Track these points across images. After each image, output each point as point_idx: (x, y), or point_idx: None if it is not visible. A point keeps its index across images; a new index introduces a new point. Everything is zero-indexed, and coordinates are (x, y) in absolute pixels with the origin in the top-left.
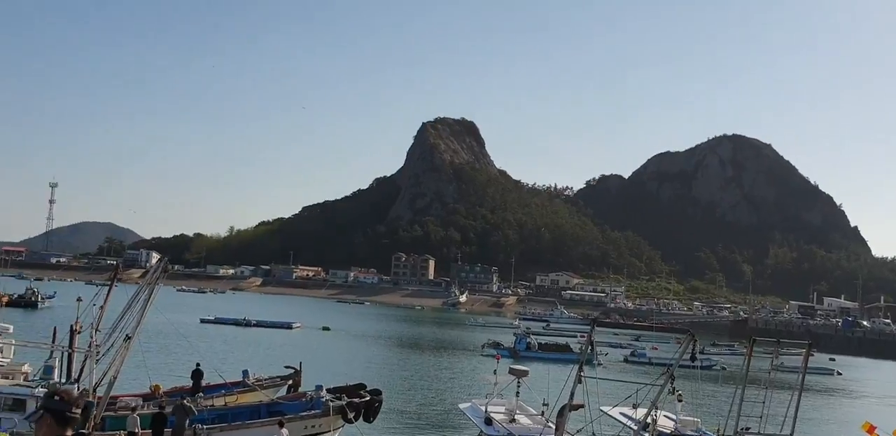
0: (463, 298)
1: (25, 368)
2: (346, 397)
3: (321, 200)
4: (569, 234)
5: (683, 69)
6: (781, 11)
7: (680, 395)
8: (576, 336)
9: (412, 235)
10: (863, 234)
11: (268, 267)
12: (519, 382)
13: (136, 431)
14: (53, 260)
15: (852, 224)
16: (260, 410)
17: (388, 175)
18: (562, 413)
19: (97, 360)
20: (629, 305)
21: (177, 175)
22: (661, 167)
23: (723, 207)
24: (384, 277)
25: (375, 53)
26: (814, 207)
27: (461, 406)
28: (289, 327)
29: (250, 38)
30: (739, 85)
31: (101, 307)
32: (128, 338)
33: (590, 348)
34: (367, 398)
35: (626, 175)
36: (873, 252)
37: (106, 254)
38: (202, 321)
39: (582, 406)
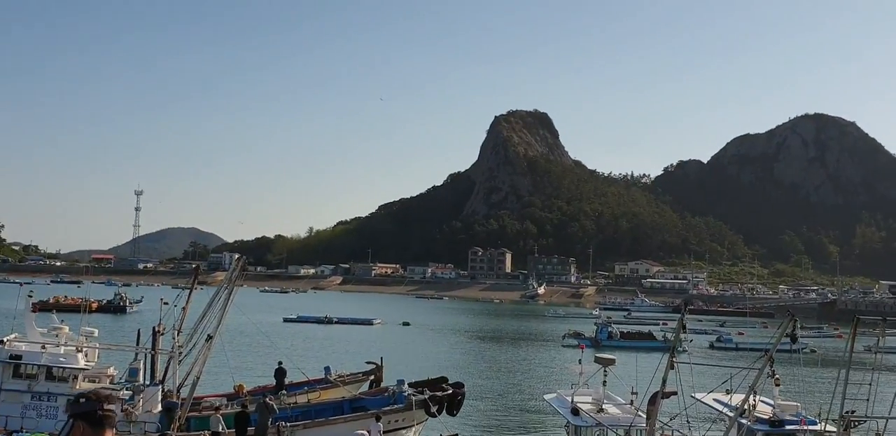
0: (541, 290)
1: (111, 371)
2: (428, 391)
3: (397, 198)
4: (647, 222)
5: (761, 51)
6: None
7: (777, 379)
8: (658, 324)
9: (488, 230)
10: None
11: (347, 266)
12: (605, 371)
13: (221, 430)
14: (140, 266)
15: None
16: (343, 406)
17: (462, 170)
18: (653, 401)
19: (180, 361)
20: (712, 291)
21: (258, 179)
22: (742, 150)
23: (806, 188)
24: (461, 271)
25: (446, 49)
26: None
27: (546, 397)
28: (369, 323)
29: (325, 38)
30: (820, 63)
31: (184, 308)
32: (209, 338)
33: (681, 332)
34: (450, 391)
35: (705, 160)
36: None
37: (191, 258)
38: (285, 320)
39: (675, 393)
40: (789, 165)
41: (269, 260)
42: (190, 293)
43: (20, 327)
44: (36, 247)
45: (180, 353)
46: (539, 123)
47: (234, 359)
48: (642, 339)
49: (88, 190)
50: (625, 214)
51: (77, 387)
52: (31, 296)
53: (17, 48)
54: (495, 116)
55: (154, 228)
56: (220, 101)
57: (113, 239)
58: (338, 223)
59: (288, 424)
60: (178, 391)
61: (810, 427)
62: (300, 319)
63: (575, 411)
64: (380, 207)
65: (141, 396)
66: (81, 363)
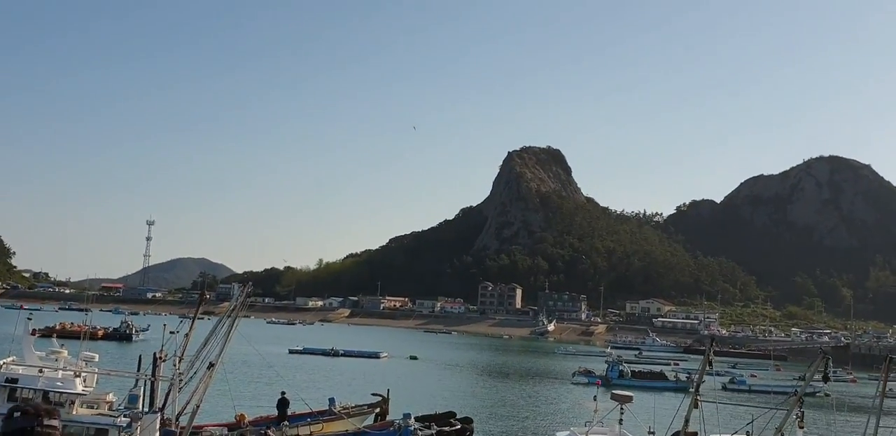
0: (551, 327)
1: (110, 397)
2: (435, 426)
3: (408, 232)
4: (659, 260)
5: (776, 90)
6: (875, 28)
7: (802, 421)
8: (669, 364)
9: (499, 265)
10: None
11: (355, 298)
12: (622, 409)
13: None
14: (149, 295)
15: None
16: None
17: (475, 205)
18: None
19: (180, 388)
20: (723, 332)
21: (268, 210)
22: (755, 191)
23: (820, 231)
24: (471, 306)
25: (461, 83)
26: None
27: (559, 435)
28: (376, 356)
29: (336, 69)
30: (835, 105)
31: (186, 335)
32: (211, 365)
33: (707, 367)
34: (458, 427)
35: (718, 200)
36: None
37: (200, 288)
38: (290, 352)
39: (696, 434)
40: (803, 206)
41: (277, 291)
42: (193, 320)
43: (18, 350)
44: (46, 274)
45: (181, 380)
46: (552, 160)
47: (237, 389)
48: (654, 378)
49: (100, 219)
50: (637, 252)
51: (74, 412)
52: (30, 319)
53: (31, 71)
54: (508, 152)
55: (165, 257)
56: (233, 130)
57: (123, 268)
58: (347, 255)
59: None
60: (178, 420)
61: None
62: (306, 351)
63: None
64: (390, 240)
65: (139, 423)
66: (79, 388)
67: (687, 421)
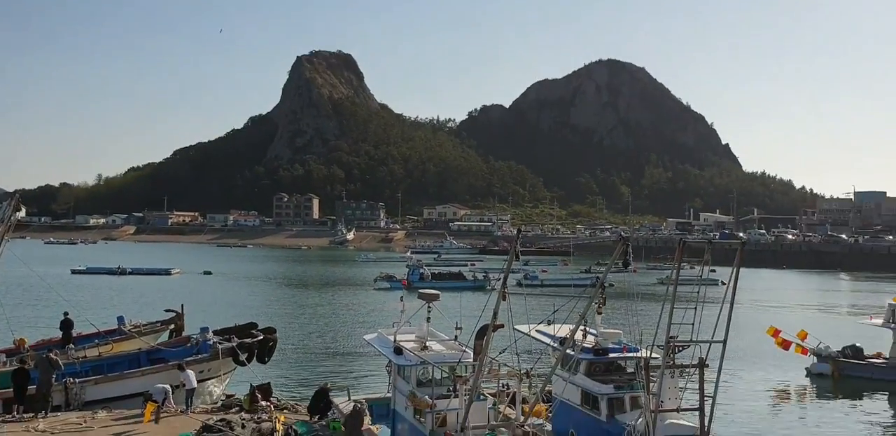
0: (350, 236)
1: None
2: (235, 338)
3: (194, 143)
4: (453, 166)
5: None
6: None
7: (600, 307)
8: (466, 265)
9: (293, 175)
10: (734, 151)
11: (141, 215)
12: (430, 307)
13: None
14: None
15: (723, 142)
16: (139, 358)
17: (264, 113)
18: (481, 335)
19: None
20: (515, 231)
21: (36, 121)
22: (541, 95)
23: (600, 133)
24: (266, 219)
25: None
26: (687, 128)
27: (367, 338)
28: (167, 273)
29: None
30: (613, 8)
31: None
32: None
33: (515, 259)
34: (260, 337)
35: (507, 105)
36: (744, 168)
37: None
38: (73, 272)
39: (502, 326)
40: (584, 109)
41: (54, 210)
42: None
43: None
44: None
45: None
46: (343, 65)
47: (14, 313)
48: (453, 279)
49: None
50: (432, 159)
51: None
52: None
53: None
54: (297, 57)
55: None
56: None
57: None
58: (129, 170)
59: (77, 380)
60: None
61: (632, 354)
62: (90, 271)
63: (398, 350)
64: (175, 152)
65: None
66: None
67: (495, 314)
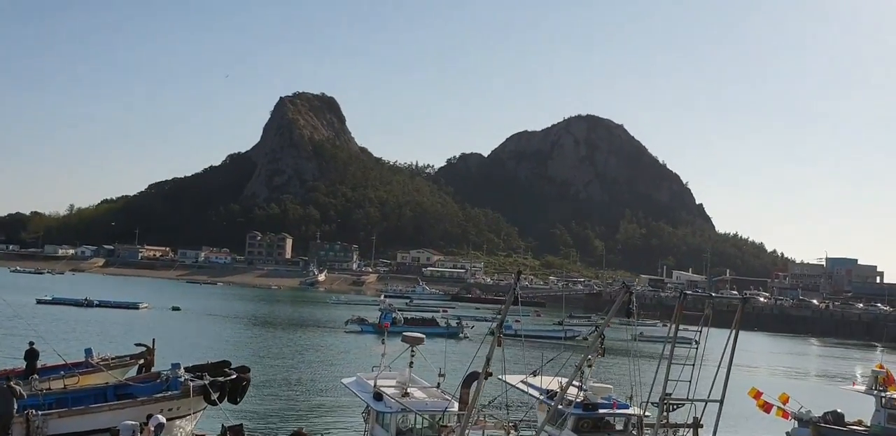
0: (321, 277)
1: None
2: (207, 376)
3: (170, 177)
4: (430, 211)
5: (539, 48)
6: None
7: (590, 360)
8: (438, 311)
9: (269, 214)
10: (707, 211)
11: (111, 247)
12: (413, 351)
13: None
14: None
15: (697, 202)
16: (106, 392)
17: (243, 151)
18: (468, 383)
19: None
20: (488, 280)
21: (9, 148)
22: (520, 146)
23: (576, 186)
24: (238, 256)
25: (233, 25)
26: (662, 186)
27: (345, 381)
28: (135, 307)
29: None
30: (593, 65)
31: None
32: None
33: (514, 301)
34: (233, 376)
35: (486, 154)
36: (717, 228)
37: None
38: (38, 302)
39: (491, 374)
40: (562, 162)
41: (23, 238)
42: None
43: None
44: None
45: None
46: (326, 107)
47: None
48: (426, 325)
49: None
50: (408, 203)
51: None
52: None
53: None
54: (281, 97)
55: None
56: None
57: None
58: (102, 201)
59: (39, 412)
60: None
61: (622, 411)
62: (56, 301)
63: (377, 396)
64: (150, 186)
65: None
66: None
67: (488, 360)
